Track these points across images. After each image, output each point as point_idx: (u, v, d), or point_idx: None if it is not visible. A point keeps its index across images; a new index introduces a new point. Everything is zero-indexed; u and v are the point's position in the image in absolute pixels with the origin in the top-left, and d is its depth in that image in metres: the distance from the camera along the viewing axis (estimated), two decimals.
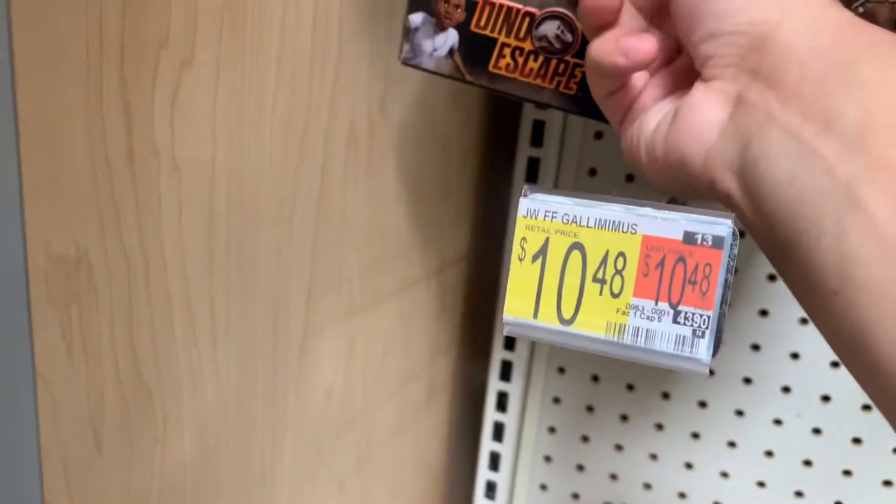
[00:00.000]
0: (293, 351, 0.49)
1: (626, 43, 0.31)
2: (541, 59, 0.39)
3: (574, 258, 0.30)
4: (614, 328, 0.29)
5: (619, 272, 0.29)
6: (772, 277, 0.65)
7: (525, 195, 0.30)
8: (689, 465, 0.73)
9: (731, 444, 0.71)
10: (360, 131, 0.51)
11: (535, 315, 0.30)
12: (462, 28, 0.39)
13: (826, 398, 0.66)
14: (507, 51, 0.39)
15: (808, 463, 0.68)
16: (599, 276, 0.29)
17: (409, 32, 0.40)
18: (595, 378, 0.74)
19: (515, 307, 0.30)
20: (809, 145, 0.26)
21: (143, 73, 0.34)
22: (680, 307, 0.28)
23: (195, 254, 0.40)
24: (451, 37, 0.40)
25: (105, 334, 0.35)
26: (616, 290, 0.29)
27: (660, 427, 0.73)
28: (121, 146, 0.34)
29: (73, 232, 0.33)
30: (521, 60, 0.39)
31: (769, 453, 0.69)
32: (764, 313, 0.66)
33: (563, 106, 0.40)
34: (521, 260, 0.30)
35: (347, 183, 0.51)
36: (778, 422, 0.68)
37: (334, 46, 0.46)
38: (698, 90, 0.31)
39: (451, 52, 0.40)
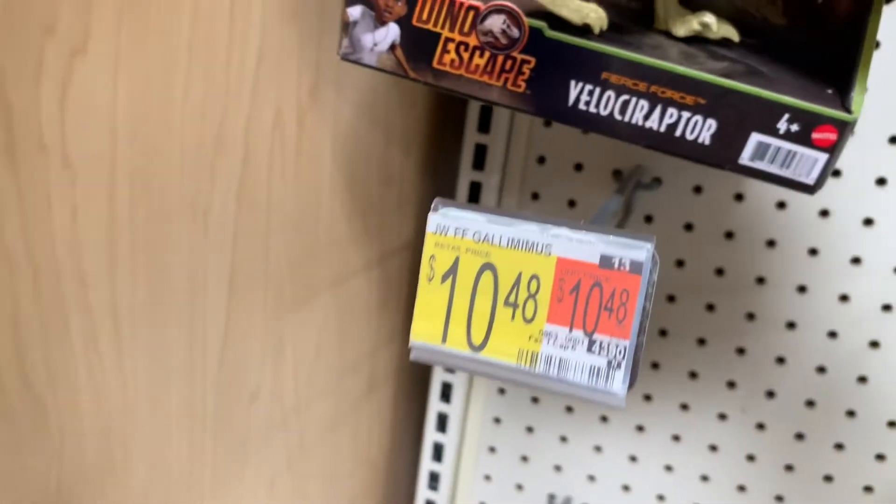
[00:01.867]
0: (212, 354, 0.46)
1: None
2: (487, 54, 0.36)
3: (486, 279, 0.27)
4: (526, 356, 0.27)
5: (532, 296, 0.27)
6: (719, 272, 0.64)
7: (435, 209, 0.28)
8: (633, 458, 0.72)
9: (676, 438, 0.70)
10: (287, 119, 0.48)
11: (444, 339, 0.28)
12: (404, 22, 0.37)
13: (771, 394, 0.65)
14: (451, 46, 0.36)
15: (751, 458, 0.68)
16: (512, 299, 0.27)
17: (347, 26, 0.37)
18: None
19: (423, 330, 0.28)
20: None
21: (24, 64, 0.31)
22: (595, 336, 0.26)
23: (94, 256, 0.37)
24: (392, 31, 0.37)
25: None
26: (529, 316, 0.27)
27: (604, 419, 0.72)
28: None
29: None
30: (466, 56, 0.36)
31: (713, 447, 0.69)
32: (710, 308, 0.65)
33: (512, 104, 0.37)
34: (429, 280, 0.28)
35: (273, 173, 0.48)
36: (722, 416, 0.68)
37: (256, 32, 0.43)
38: None
39: (392, 47, 0.37)
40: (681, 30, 0.38)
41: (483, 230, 0.27)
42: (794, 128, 0.34)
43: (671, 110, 0.35)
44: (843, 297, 0.61)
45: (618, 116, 0.36)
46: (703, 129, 0.35)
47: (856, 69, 0.34)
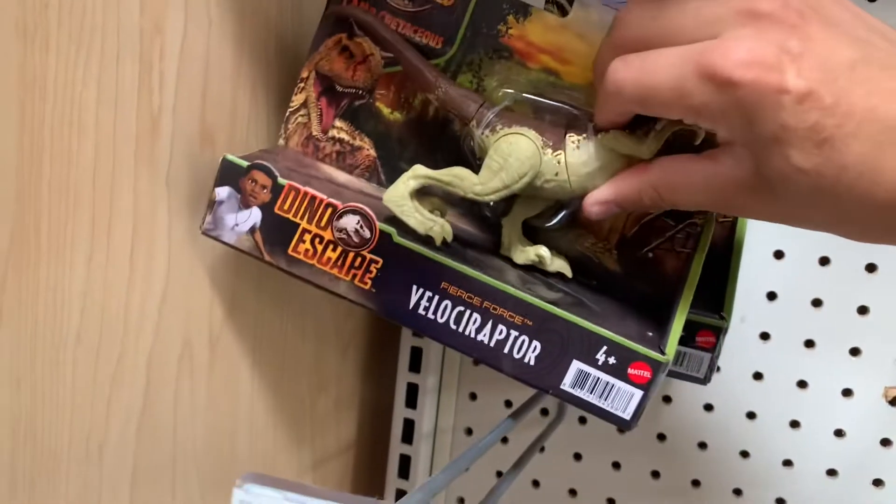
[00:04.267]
0: None
1: None
2: (339, 249, 0.39)
3: None
4: None
5: None
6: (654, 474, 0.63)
7: (239, 486, 0.29)
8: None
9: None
10: (197, 345, 0.50)
11: None
12: (266, 208, 0.40)
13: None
14: (307, 237, 0.39)
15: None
16: None
17: (213, 205, 0.41)
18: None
19: None
20: None
21: None
22: None
23: None
24: (254, 215, 0.40)
25: None
26: None
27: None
28: None
29: None
30: (320, 248, 0.39)
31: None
32: None
33: (357, 300, 0.39)
34: None
35: (181, 396, 0.50)
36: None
37: (162, 265, 0.46)
38: None
39: (252, 229, 0.40)
40: (519, 258, 0.41)
41: None
42: (612, 360, 0.35)
43: (501, 327, 0.37)
44: None
45: (453, 326, 0.38)
46: (528, 350, 0.37)
47: (672, 319, 0.37)
